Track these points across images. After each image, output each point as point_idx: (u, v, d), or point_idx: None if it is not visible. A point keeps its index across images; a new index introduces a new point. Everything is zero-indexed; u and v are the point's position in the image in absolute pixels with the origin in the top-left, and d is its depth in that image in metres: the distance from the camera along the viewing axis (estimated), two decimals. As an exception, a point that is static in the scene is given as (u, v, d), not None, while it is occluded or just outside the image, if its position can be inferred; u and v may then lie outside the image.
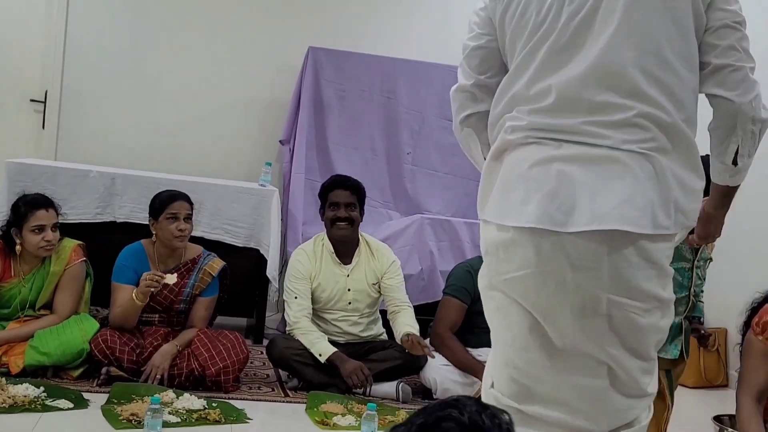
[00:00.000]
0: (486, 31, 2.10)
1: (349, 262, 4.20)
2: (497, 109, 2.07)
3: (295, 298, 4.07)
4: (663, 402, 3.06)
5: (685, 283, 2.96)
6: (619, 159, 1.85)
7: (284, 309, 4.19)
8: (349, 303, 4.17)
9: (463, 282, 4.13)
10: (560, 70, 1.93)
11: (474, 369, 3.99)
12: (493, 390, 2.11)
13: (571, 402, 1.97)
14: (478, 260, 4.25)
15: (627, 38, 1.87)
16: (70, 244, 3.96)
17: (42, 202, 3.86)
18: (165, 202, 3.91)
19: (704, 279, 3.07)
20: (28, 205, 3.83)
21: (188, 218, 3.94)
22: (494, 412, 1.21)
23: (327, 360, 3.90)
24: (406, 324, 4.05)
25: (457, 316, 4.10)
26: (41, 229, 3.79)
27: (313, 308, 4.13)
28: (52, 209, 3.87)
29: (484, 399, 2.09)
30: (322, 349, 3.93)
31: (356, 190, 4.20)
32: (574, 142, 1.89)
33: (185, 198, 3.98)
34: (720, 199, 2.07)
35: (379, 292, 4.23)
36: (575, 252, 1.86)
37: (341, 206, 4.13)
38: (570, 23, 1.92)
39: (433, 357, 3.99)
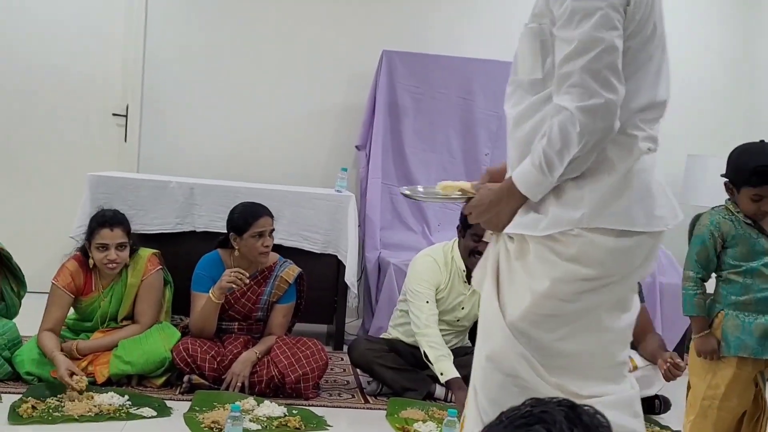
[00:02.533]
0: (622, 31, 1.95)
1: (471, 283, 4.09)
2: (620, 118, 1.97)
3: (427, 302, 3.95)
4: (758, 406, 2.92)
5: None
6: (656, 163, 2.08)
7: (409, 310, 4.03)
8: (458, 320, 4.10)
9: None
10: (661, 83, 2.07)
11: None
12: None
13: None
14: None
15: None
16: (145, 253, 3.98)
17: (108, 220, 3.82)
18: (250, 218, 3.87)
19: None
20: (95, 221, 3.84)
21: (272, 233, 3.92)
22: (588, 425, 1.07)
23: (446, 382, 3.80)
24: None
25: None
26: (105, 247, 3.78)
27: None
28: (119, 229, 3.82)
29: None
30: (445, 368, 3.80)
31: None
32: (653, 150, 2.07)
33: (268, 212, 3.95)
34: None
35: None
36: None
37: (484, 241, 3.99)
38: (662, 37, 2.08)
39: None
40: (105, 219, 3.83)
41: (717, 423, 2.88)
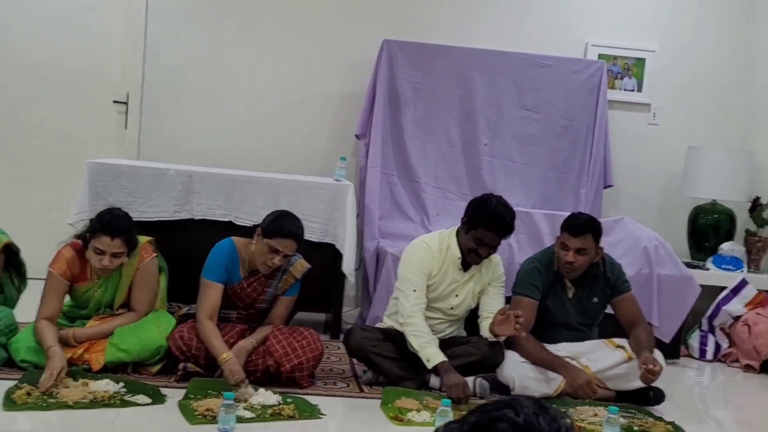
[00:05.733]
0: None
1: (466, 271, 4.07)
2: None
3: (414, 290, 3.94)
4: None
5: None
6: None
7: (395, 296, 4.09)
8: (452, 308, 4.08)
9: (531, 279, 4.05)
10: None
11: (553, 365, 3.90)
12: None
13: None
14: (544, 253, 4.19)
15: None
16: (140, 241, 3.94)
17: (112, 229, 3.71)
18: (278, 231, 3.77)
19: None
20: (101, 223, 3.75)
21: (287, 256, 3.83)
22: (554, 416, 1.14)
23: (433, 367, 3.80)
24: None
25: (530, 315, 4.00)
26: (101, 252, 3.72)
27: None
28: (120, 239, 3.71)
29: None
30: (430, 355, 3.81)
31: (508, 235, 3.97)
32: None
33: (297, 237, 3.82)
34: None
35: (479, 299, 4.12)
36: None
37: (486, 247, 3.94)
38: None
39: (523, 335, 3.84)
40: (109, 227, 3.71)
41: None
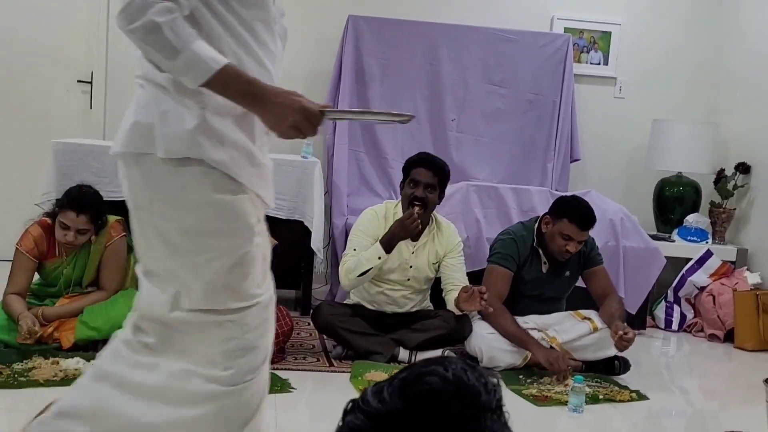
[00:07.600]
0: None
1: (417, 240, 4.11)
2: None
3: (354, 249, 4.01)
4: None
5: None
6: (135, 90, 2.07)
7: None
8: (408, 279, 4.12)
9: (508, 250, 4.08)
10: None
11: (526, 343, 3.93)
12: None
13: None
14: (519, 227, 4.23)
15: None
16: (110, 220, 3.96)
17: (78, 205, 3.76)
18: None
19: None
20: (68, 198, 3.80)
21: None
22: (481, 372, 1.21)
23: (383, 252, 3.91)
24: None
25: (504, 285, 4.04)
26: (66, 227, 3.76)
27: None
28: (85, 216, 3.76)
29: None
30: (371, 255, 3.92)
31: (440, 171, 4.05)
32: None
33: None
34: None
35: (437, 270, 4.16)
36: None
37: (420, 186, 4.00)
38: None
39: (490, 311, 3.87)
40: (75, 203, 3.76)
41: None
